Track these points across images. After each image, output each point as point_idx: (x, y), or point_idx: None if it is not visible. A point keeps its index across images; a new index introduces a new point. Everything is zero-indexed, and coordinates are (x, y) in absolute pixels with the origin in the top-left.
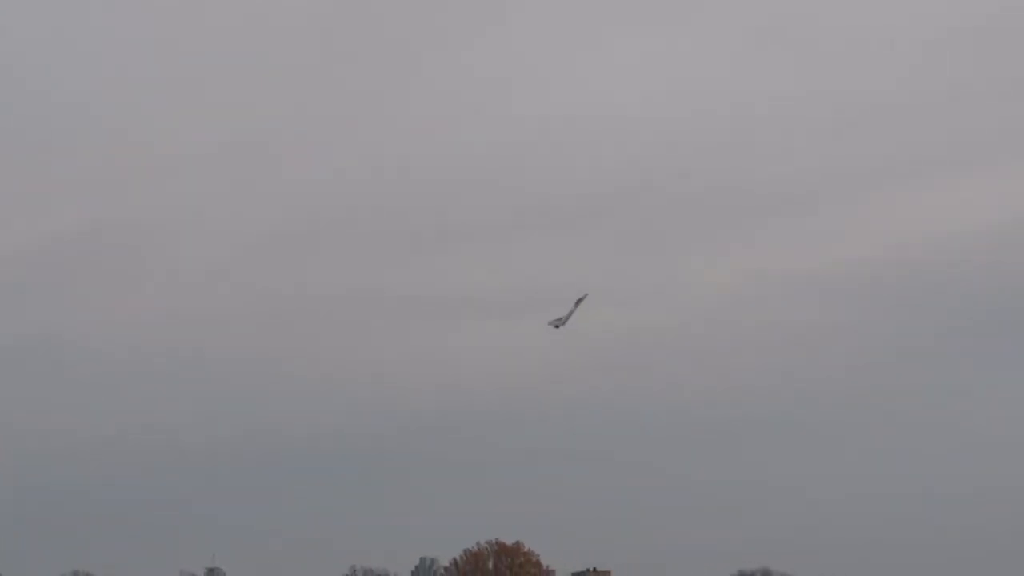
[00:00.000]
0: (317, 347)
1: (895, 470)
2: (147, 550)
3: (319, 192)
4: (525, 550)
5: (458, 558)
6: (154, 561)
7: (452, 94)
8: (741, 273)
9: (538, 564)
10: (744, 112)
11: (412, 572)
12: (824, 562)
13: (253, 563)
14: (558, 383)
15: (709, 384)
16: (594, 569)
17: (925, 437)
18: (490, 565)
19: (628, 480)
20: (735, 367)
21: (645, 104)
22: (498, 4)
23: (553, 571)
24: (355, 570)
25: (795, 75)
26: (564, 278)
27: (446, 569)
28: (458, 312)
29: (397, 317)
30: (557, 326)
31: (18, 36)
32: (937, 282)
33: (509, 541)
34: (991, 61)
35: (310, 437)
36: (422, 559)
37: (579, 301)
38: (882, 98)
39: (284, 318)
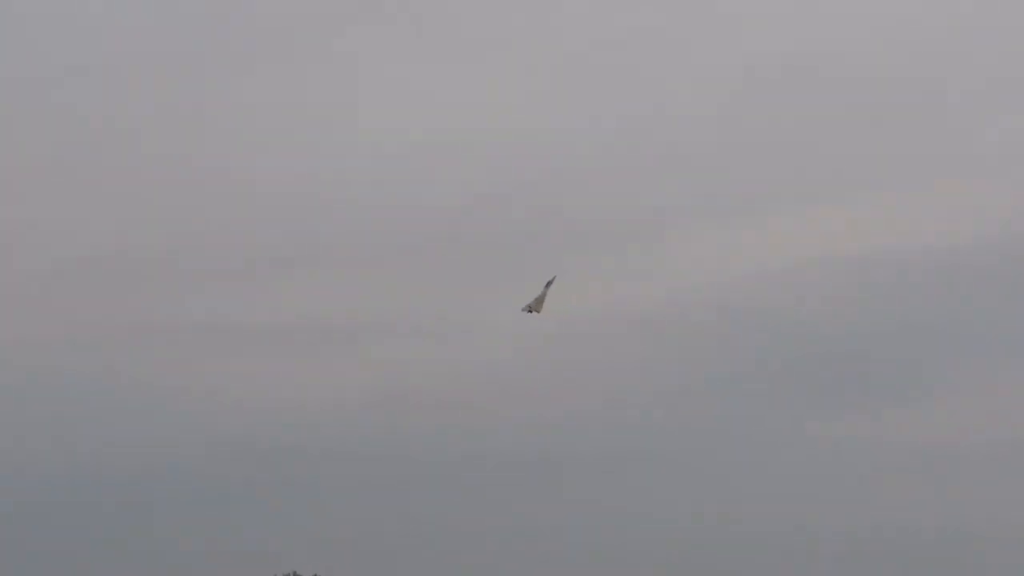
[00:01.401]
0: (115, 374)
1: (677, 510)
2: None
3: (133, 214)
4: None
5: None
6: None
7: (258, 122)
8: (548, 312)
9: None
10: (556, 150)
11: None
12: None
13: None
14: (366, 417)
15: (510, 422)
16: None
17: (701, 481)
18: None
19: (429, 515)
20: (538, 406)
21: (454, 139)
22: (332, 24)
23: None
24: None
25: (611, 110)
26: (369, 312)
27: None
28: (264, 341)
29: (193, 346)
30: (531, 311)
31: None
32: (729, 323)
33: (307, 574)
34: (797, 100)
35: (102, 466)
36: None
37: (548, 284)
38: (694, 135)
39: (90, 344)
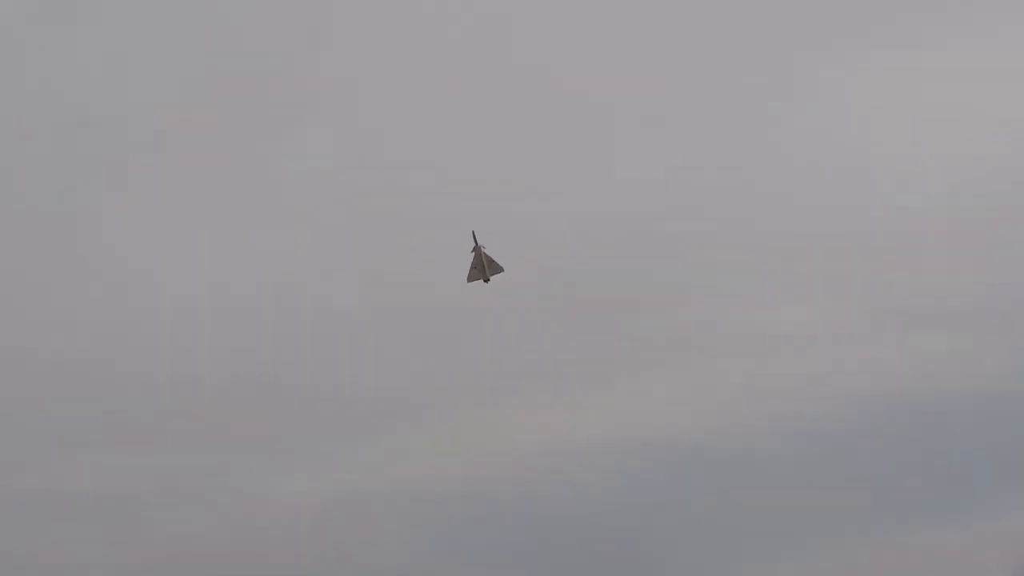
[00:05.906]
0: None
1: None
2: None
3: None
4: None
5: None
6: None
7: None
8: (313, 489)
9: None
10: (322, 304)
11: None
12: None
13: None
14: None
15: None
16: None
17: None
18: None
19: None
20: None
21: (186, 302)
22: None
23: None
24: None
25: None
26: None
27: None
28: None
29: None
30: (486, 279)
31: None
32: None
33: None
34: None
35: None
36: None
37: (476, 248)
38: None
39: None
